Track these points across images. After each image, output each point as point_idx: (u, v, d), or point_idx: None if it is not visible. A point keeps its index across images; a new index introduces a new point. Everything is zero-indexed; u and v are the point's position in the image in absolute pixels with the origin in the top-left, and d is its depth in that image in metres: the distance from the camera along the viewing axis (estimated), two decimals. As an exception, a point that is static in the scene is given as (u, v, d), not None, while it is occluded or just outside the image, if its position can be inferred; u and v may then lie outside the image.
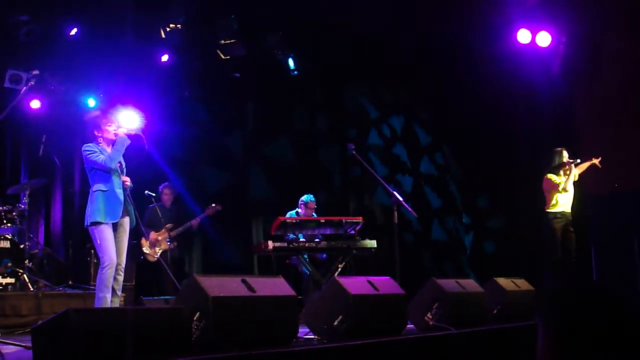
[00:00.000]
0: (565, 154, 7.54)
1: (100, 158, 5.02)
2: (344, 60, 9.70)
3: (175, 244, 7.97)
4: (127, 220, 5.17)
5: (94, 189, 5.05)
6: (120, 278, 5.04)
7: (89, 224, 5.00)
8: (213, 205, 8.13)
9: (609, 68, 8.27)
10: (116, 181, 5.09)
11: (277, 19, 8.99)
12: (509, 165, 9.42)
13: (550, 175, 7.53)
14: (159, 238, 7.79)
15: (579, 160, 7.48)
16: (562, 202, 7.50)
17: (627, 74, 8.09)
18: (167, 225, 7.81)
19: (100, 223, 4.95)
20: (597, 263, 7.96)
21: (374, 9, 8.48)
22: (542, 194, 7.66)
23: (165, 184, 8.28)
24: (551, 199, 7.51)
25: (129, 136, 5.19)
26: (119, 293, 5.04)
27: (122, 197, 5.10)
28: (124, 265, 5.09)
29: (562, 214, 7.49)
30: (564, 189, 7.41)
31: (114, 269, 4.91)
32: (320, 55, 9.72)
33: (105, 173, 5.06)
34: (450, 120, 10.54)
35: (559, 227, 7.45)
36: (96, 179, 5.07)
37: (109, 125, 5.19)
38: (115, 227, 5.08)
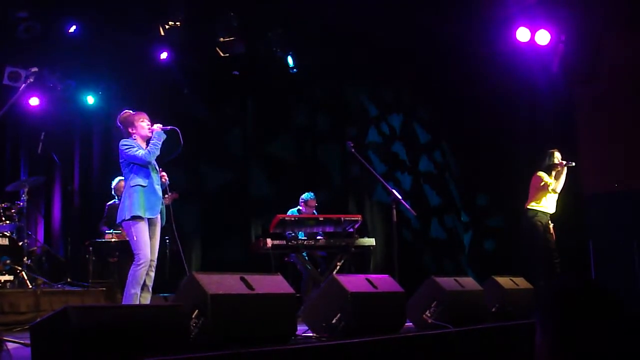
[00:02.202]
0: (557, 155, 7.36)
1: (140, 152, 4.95)
2: (344, 58, 9.69)
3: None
4: (159, 217, 5.13)
5: (132, 184, 4.96)
6: (152, 274, 5.02)
7: (128, 217, 4.89)
8: (169, 193, 7.94)
9: (609, 67, 8.27)
10: (155, 177, 5.06)
11: (277, 16, 8.98)
12: (508, 164, 9.39)
13: (541, 174, 7.34)
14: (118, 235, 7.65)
15: (573, 163, 7.25)
16: (547, 202, 7.35)
17: (626, 73, 8.09)
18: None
19: (141, 218, 4.89)
20: (596, 263, 7.96)
21: (373, 7, 8.47)
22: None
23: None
24: (535, 197, 7.34)
25: (164, 130, 5.15)
26: (150, 289, 5.01)
27: (160, 194, 5.09)
28: (155, 262, 5.07)
29: (544, 213, 7.34)
30: (554, 190, 7.27)
31: (147, 267, 4.89)
32: (320, 53, 9.71)
33: (144, 168, 4.99)
34: (450, 119, 10.53)
35: (540, 225, 7.28)
36: (134, 175, 4.99)
37: (142, 121, 5.13)
38: (151, 223, 5.03)
